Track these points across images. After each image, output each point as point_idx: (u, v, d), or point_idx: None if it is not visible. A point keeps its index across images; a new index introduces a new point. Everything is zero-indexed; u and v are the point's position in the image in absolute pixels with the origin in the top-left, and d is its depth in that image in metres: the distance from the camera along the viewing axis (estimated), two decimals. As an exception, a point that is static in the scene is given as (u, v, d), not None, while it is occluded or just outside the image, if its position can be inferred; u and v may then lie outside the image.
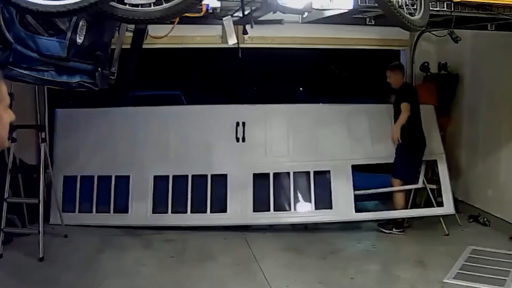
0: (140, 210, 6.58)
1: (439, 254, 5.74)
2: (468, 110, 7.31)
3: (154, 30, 4.70)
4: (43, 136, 5.97)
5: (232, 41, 5.65)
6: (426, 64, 7.56)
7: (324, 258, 5.71)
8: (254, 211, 6.58)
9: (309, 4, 4.38)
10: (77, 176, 6.73)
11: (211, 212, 6.60)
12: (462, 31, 5.94)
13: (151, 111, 7.22)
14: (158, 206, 6.62)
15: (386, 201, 7.29)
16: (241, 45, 6.19)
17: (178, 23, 4.49)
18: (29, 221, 6.21)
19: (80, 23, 3.34)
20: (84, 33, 3.37)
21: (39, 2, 2.64)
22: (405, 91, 6.51)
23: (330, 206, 6.61)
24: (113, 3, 2.89)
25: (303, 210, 6.76)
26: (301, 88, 17.53)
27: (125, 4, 2.99)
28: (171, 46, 7.20)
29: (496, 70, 6.58)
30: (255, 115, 7.02)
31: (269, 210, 6.62)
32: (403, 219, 6.61)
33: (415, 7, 3.92)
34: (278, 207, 6.68)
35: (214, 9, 5.00)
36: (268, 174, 6.74)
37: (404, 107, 6.32)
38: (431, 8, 4.17)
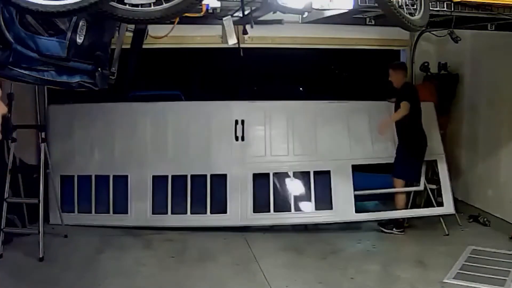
0: (140, 211, 6.56)
1: (439, 254, 5.75)
2: (468, 110, 7.31)
3: (154, 30, 4.70)
4: (43, 136, 5.96)
5: (232, 41, 5.66)
6: (426, 64, 7.56)
7: (324, 258, 5.71)
8: (254, 211, 6.57)
9: (309, 4, 4.38)
10: (74, 176, 6.68)
11: (211, 213, 6.59)
12: (462, 31, 5.94)
13: (147, 107, 7.13)
14: (158, 207, 6.59)
15: (386, 201, 7.29)
16: (241, 45, 6.20)
17: (178, 23, 4.49)
18: (29, 221, 6.21)
19: (80, 23, 3.33)
20: (84, 33, 3.37)
21: (39, 2, 2.64)
22: (406, 90, 6.50)
23: (330, 207, 6.60)
24: (113, 3, 2.89)
25: (304, 211, 6.74)
26: (301, 88, 17.52)
27: (125, 4, 2.99)
28: (171, 46, 7.18)
29: (496, 70, 6.58)
30: (254, 112, 6.95)
31: (269, 211, 6.61)
32: (403, 219, 6.62)
33: (415, 7, 3.93)
34: (278, 208, 6.66)
35: (214, 9, 5.00)
36: (268, 174, 6.73)
37: (404, 105, 6.32)
38: (431, 8, 4.17)
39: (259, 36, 6.79)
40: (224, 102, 7.47)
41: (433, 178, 6.91)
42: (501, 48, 6.32)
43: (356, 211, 6.62)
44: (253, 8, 4.95)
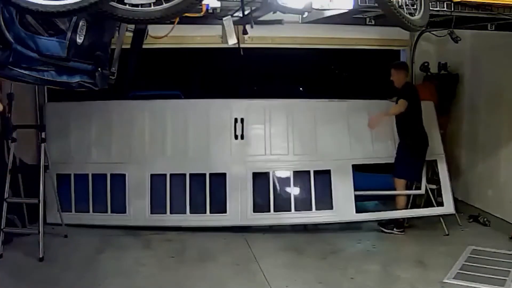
0: (139, 210, 6.53)
1: (439, 254, 5.75)
2: (468, 110, 7.31)
3: (154, 30, 4.69)
4: (43, 136, 5.96)
5: (232, 41, 5.66)
6: (426, 64, 7.56)
7: (324, 258, 5.71)
8: (254, 211, 6.56)
9: (309, 4, 4.38)
10: (70, 175, 6.63)
11: (210, 212, 6.57)
12: (462, 31, 5.94)
13: (145, 104, 7.09)
14: (157, 206, 6.56)
15: (386, 201, 7.29)
16: (241, 45, 6.19)
17: (178, 23, 4.48)
18: (29, 221, 6.21)
19: (80, 23, 3.34)
20: (84, 33, 3.37)
21: (39, 2, 2.64)
22: (407, 90, 6.50)
23: (330, 207, 6.60)
24: (113, 3, 2.89)
25: (304, 211, 6.71)
26: (301, 88, 17.51)
27: (125, 4, 2.99)
28: (171, 46, 7.19)
29: (496, 70, 6.59)
30: (253, 110, 6.92)
31: (269, 210, 6.60)
32: (403, 219, 6.62)
33: (415, 7, 3.93)
34: (278, 208, 6.65)
35: (214, 9, 5.00)
36: (267, 173, 6.73)
37: (401, 102, 6.32)
38: (431, 8, 4.17)
39: (259, 36, 6.79)
40: (224, 100, 7.37)
41: (433, 178, 6.91)
42: (501, 48, 6.32)
43: (357, 211, 6.61)
44: (253, 8, 4.95)
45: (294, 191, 6.79)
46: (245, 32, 5.62)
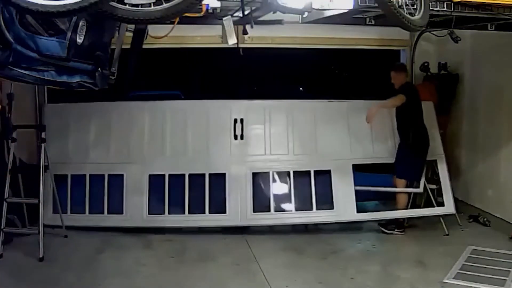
0: (136, 211, 6.46)
1: (439, 254, 5.75)
2: (468, 110, 7.31)
3: (154, 30, 4.69)
4: (43, 136, 5.95)
5: (232, 41, 5.66)
6: (426, 64, 7.56)
7: (324, 258, 5.71)
8: (254, 211, 6.54)
9: (309, 4, 4.38)
10: (67, 175, 6.58)
11: (209, 213, 6.54)
12: (462, 31, 5.94)
13: (144, 105, 7.07)
14: (155, 207, 6.51)
15: (386, 201, 7.29)
16: (241, 45, 6.20)
17: (178, 23, 4.49)
18: (29, 221, 6.20)
19: (80, 23, 3.34)
20: (84, 33, 3.37)
21: (39, 2, 2.64)
22: (406, 89, 6.48)
23: (331, 207, 6.59)
24: (113, 3, 2.89)
25: (304, 210, 6.70)
26: (301, 88, 17.53)
27: (125, 4, 2.99)
28: (171, 46, 7.18)
29: (496, 70, 6.59)
30: (253, 110, 6.92)
31: (269, 210, 6.59)
32: (403, 219, 6.62)
33: (415, 7, 3.93)
34: (279, 208, 6.65)
35: (214, 9, 5.01)
36: (267, 173, 6.72)
37: (398, 96, 6.30)
38: (431, 8, 4.17)
39: (259, 36, 6.79)
40: (223, 101, 7.38)
41: (433, 178, 6.91)
42: (501, 48, 6.32)
43: (357, 211, 6.60)
44: (253, 8, 4.95)
45: (294, 191, 6.79)
46: (245, 32, 5.62)
